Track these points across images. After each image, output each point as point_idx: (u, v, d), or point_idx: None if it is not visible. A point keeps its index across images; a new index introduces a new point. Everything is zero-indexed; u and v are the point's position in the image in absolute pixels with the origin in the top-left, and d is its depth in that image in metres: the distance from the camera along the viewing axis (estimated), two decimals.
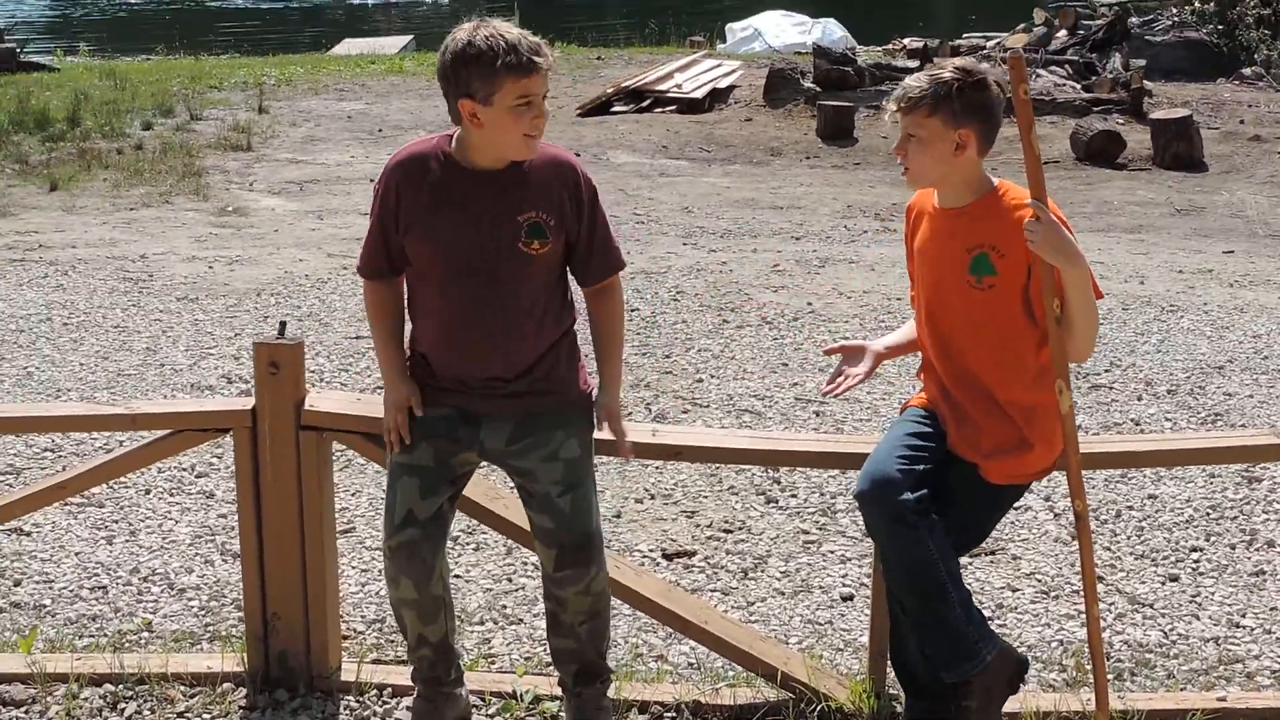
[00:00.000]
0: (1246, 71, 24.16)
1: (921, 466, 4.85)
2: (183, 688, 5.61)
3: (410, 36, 35.12)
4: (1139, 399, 9.48)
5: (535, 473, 4.95)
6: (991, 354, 4.88)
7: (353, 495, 7.77)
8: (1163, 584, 6.89)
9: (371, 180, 16.69)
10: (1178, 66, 24.09)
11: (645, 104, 22.15)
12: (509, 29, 4.62)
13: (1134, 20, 25.62)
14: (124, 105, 21.31)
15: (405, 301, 5.06)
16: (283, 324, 5.55)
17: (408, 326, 5.07)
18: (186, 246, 13.63)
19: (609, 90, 22.64)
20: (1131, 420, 9.10)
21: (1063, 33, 26.45)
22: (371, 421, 5.38)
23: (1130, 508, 7.71)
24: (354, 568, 6.96)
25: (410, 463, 4.99)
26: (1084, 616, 5.71)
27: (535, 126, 4.65)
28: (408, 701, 5.42)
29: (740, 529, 7.49)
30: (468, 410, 4.93)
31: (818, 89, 21.76)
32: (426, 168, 4.80)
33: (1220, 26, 25.38)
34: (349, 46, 32.43)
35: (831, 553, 7.20)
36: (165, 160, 17.84)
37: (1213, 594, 6.80)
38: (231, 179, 17.09)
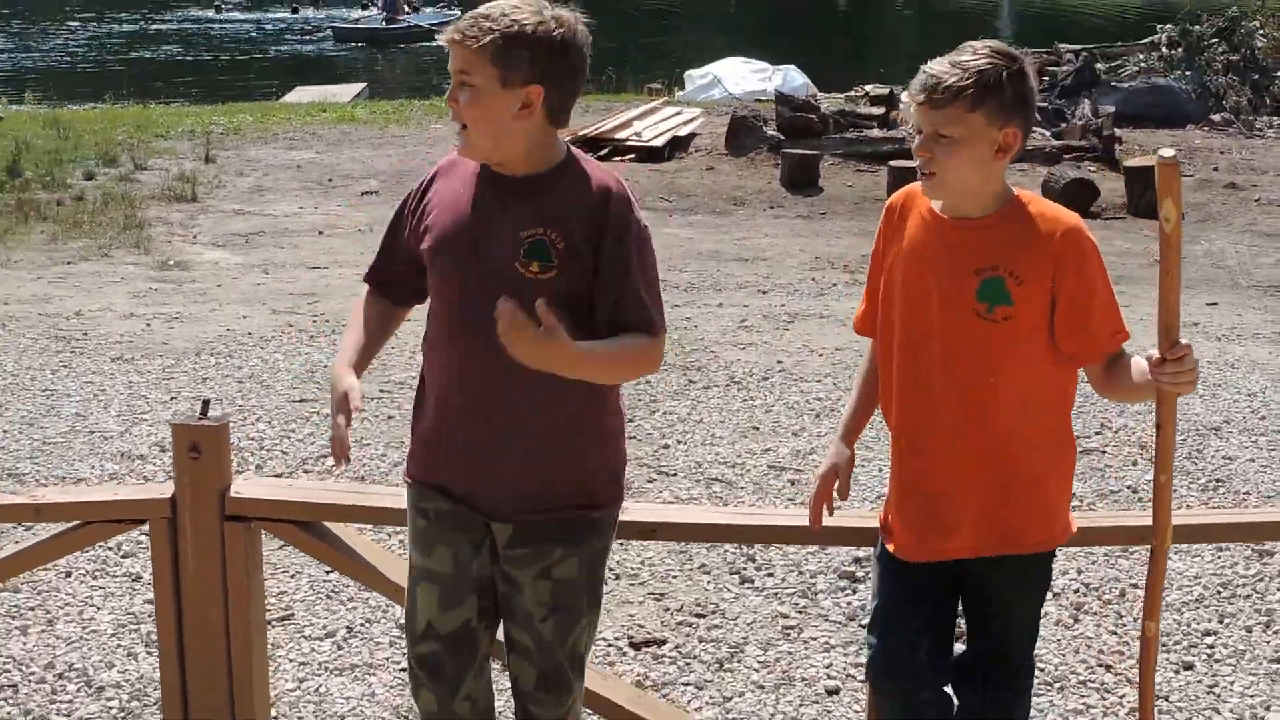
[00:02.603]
0: (1216, 118, 23.84)
1: (939, 641, 4.26)
2: None
3: (364, 84, 34.66)
4: (1134, 464, 8.93)
5: (524, 588, 4.31)
6: (989, 403, 4.10)
7: (291, 577, 7.16)
8: (1176, 673, 6.35)
9: (321, 232, 16.51)
10: (1146, 112, 23.76)
11: (604, 153, 21.59)
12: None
13: (1100, 66, 25.27)
14: (66, 155, 20.60)
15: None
16: (205, 402, 4.98)
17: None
18: (124, 303, 12.98)
19: (566, 139, 22.03)
20: (1128, 487, 8.55)
21: None
22: (305, 509, 4.87)
23: (1135, 585, 7.14)
24: (291, 660, 6.36)
25: (425, 566, 4.39)
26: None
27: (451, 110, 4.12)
28: None
29: (713, 612, 6.90)
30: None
31: (781, 137, 21.27)
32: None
33: (1188, 73, 25.06)
34: (300, 94, 31.89)
35: (814, 639, 6.64)
36: (106, 211, 17.14)
37: (1232, 684, 6.27)
38: (175, 231, 16.42)
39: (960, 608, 4.38)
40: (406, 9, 51.38)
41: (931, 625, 4.25)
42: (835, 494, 4.45)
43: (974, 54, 3.99)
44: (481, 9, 4.08)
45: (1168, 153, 3.71)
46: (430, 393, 4.33)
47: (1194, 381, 3.92)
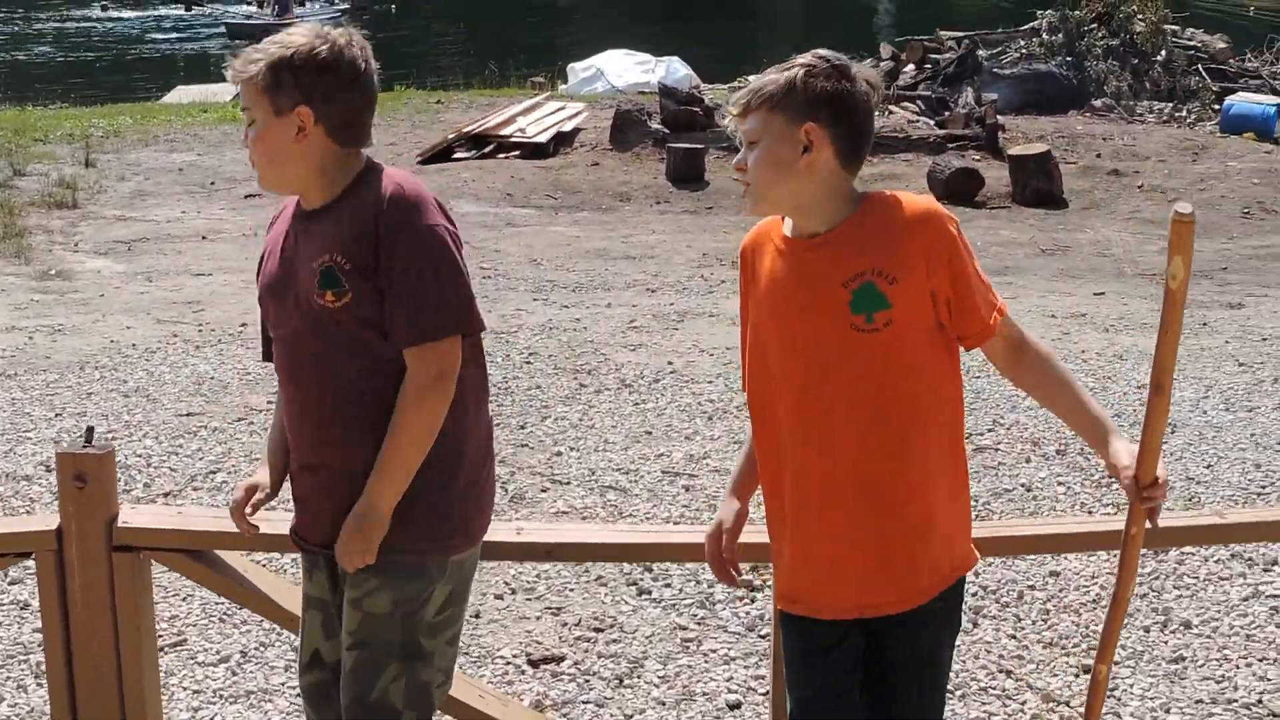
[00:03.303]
0: (1097, 103, 24.05)
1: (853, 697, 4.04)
2: None
3: None
4: (1027, 461, 8.95)
5: (345, 612, 4.19)
6: (894, 428, 3.83)
7: (183, 600, 7.03)
8: (1076, 676, 6.33)
9: (205, 237, 16.29)
10: (1028, 99, 23.93)
11: (488, 149, 21.52)
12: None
13: (982, 53, 25.39)
14: None
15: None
16: (89, 430, 4.84)
17: None
18: (4, 315, 12.74)
19: (450, 135, 21.96)
20: (1022, 486, 8.55)
21: (910, 68, 26.22)
22: (195, 537, 4.75)
23: (1032, 587, 7.15)
24: (185, 689, 6.24)
25: (308, 593, 4.32)
26: None
27: None
28: None
29: (612, 626, 6.82)
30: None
31: (666, 130, 21.23)
32: None
33: (1069, 58, 25.22)
34: (181, 94, 31.50)
35: (713, 652, 6.56)
36: None
37: (1131, 687, 6.26)
38: (55, 239, 16.15)
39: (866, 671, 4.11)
40: (295, 5, 51.06)
41: (846, 681, 4.11)
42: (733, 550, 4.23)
43: (788, 63, 3.85)
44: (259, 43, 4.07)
45: (1185, 208, 3.57)
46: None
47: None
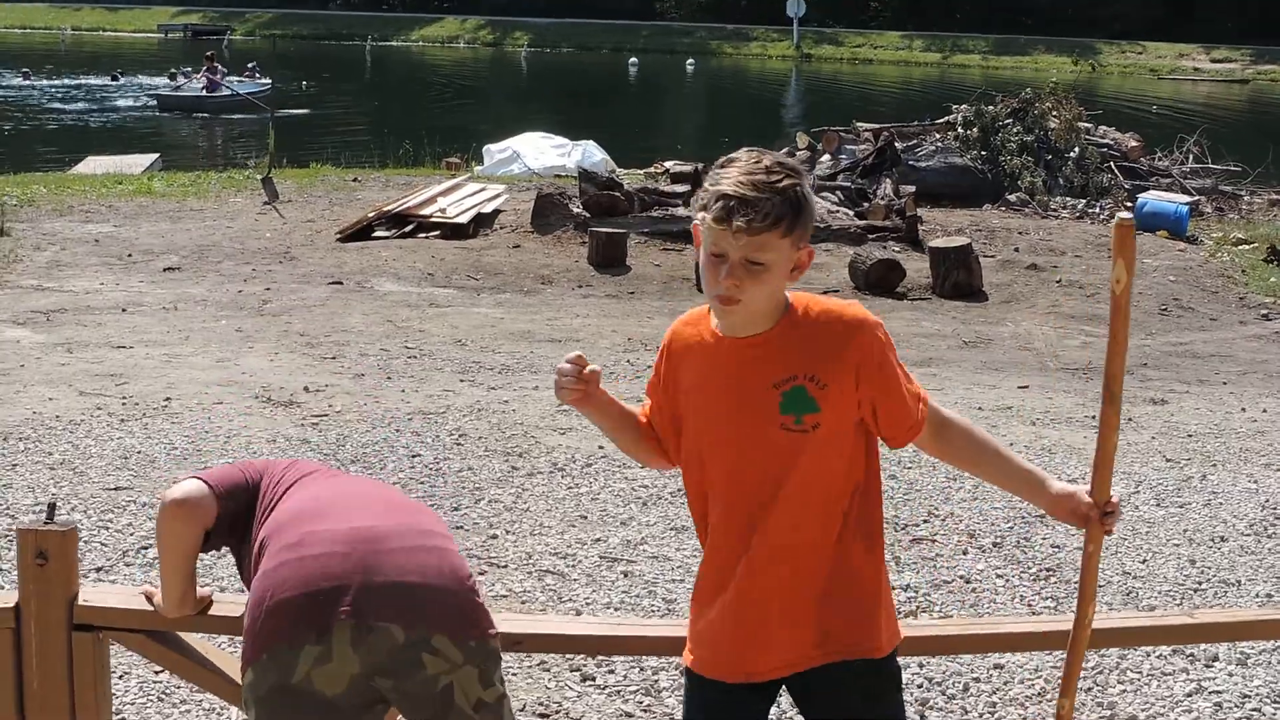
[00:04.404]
0: (1012, 198, 24.30)
1: None
2: None
3: (156, 155, 34.08)
4: (965, 553, 8.95)
5: None
6: (816, 514, 3.99)
7: (119, 679, 6.90)
8: None
9: (125, 309, 16.13)
10: (944, 192, 24.14)
11: (408, 229, 21.45)
12: None
13: (898, 144, 25.59)
14: None
15: None
16: (51, 505, 4.77)
17: None
18: None
19: (370, 214, 21.85)
20: (961, 578, 8.55)
21: (826, 157, 26.39)
22: (157, 619, 4.66)
23: (977, 679, 7.14)
24: None
25: None
26: None
27: None
28: None
29: (557, 712, 6.76)
30: None
31: (587, 215, 21.23)
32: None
33: (984, 152, 25.47)
34: (93, 165, 31.27)
35: None
36: None
37: None
38: None
39: None
40: (222, 79, 51.04)
41: None
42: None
43: (768, 172, 3.87)
44: None
45: (1126, 215, 3.69)
46: None
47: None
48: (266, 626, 4.08)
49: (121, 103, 55.27)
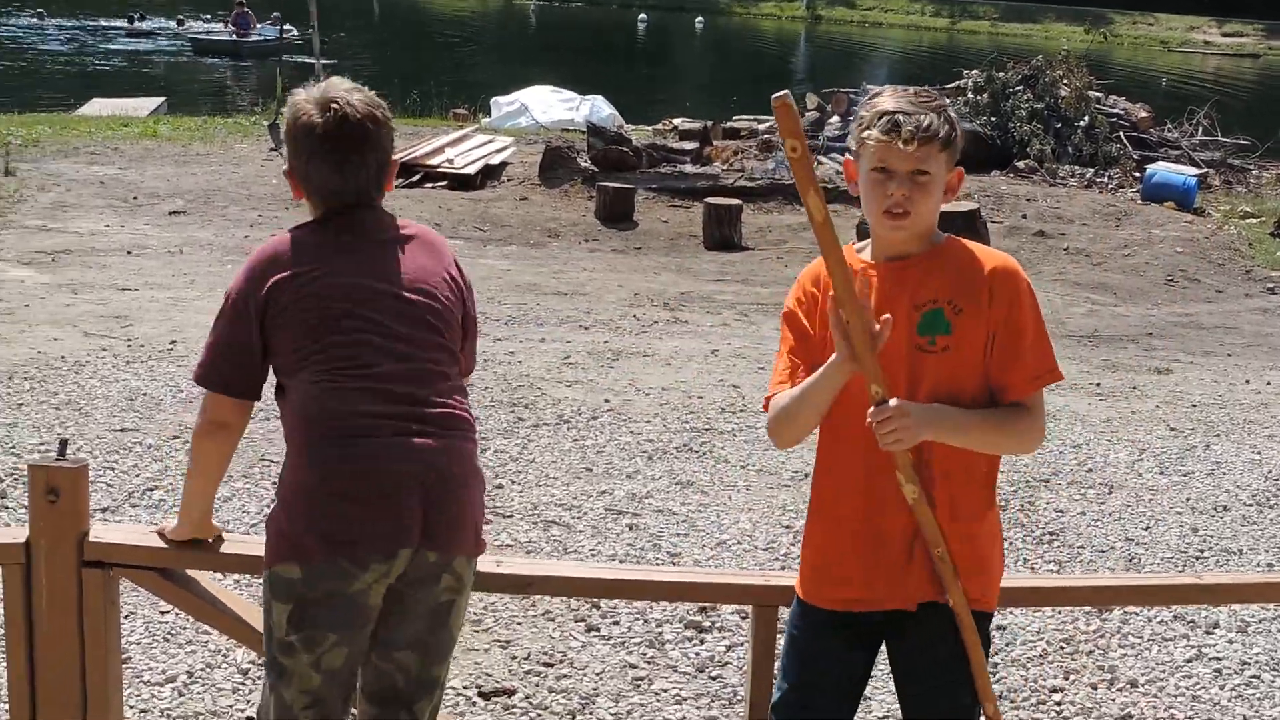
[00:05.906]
0: (1020, 164, 24.21)
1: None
2: None
3: (162, 99, 33.95)
4: None
5: None
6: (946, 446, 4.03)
7: (125, 618, 6.89)
8: None
9: (130, 252, 16.08)
10: None
11: (415, 179, 21.41)
12: None
13: None
14: None
15: None
16: (63, 442, 4.74)
17: None
18: None
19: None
20: None
21: (835, 119, 26.29)
22: (167, 555, 4.64)
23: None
24: (132, 708, 6.13)
25: None
26: None
27: None
28: None
29: (561, 661, 6.76)
30: None
31: (594, 169, 21.20)
32: None
33: (993, 118, 25.41)
34: (98, 106, 31.18)
35: (664, 691, 6.52)
36: None
37: None
38: None
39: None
40: (254, 24, 51.32)
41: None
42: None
43: (918, 95, 4.03)
44: None
45: (780, 93, 3.65)
46: None
47: (901, 440, 3.89)
48: (334, 533, 4.15)
49: (144, 46, 55.19)
